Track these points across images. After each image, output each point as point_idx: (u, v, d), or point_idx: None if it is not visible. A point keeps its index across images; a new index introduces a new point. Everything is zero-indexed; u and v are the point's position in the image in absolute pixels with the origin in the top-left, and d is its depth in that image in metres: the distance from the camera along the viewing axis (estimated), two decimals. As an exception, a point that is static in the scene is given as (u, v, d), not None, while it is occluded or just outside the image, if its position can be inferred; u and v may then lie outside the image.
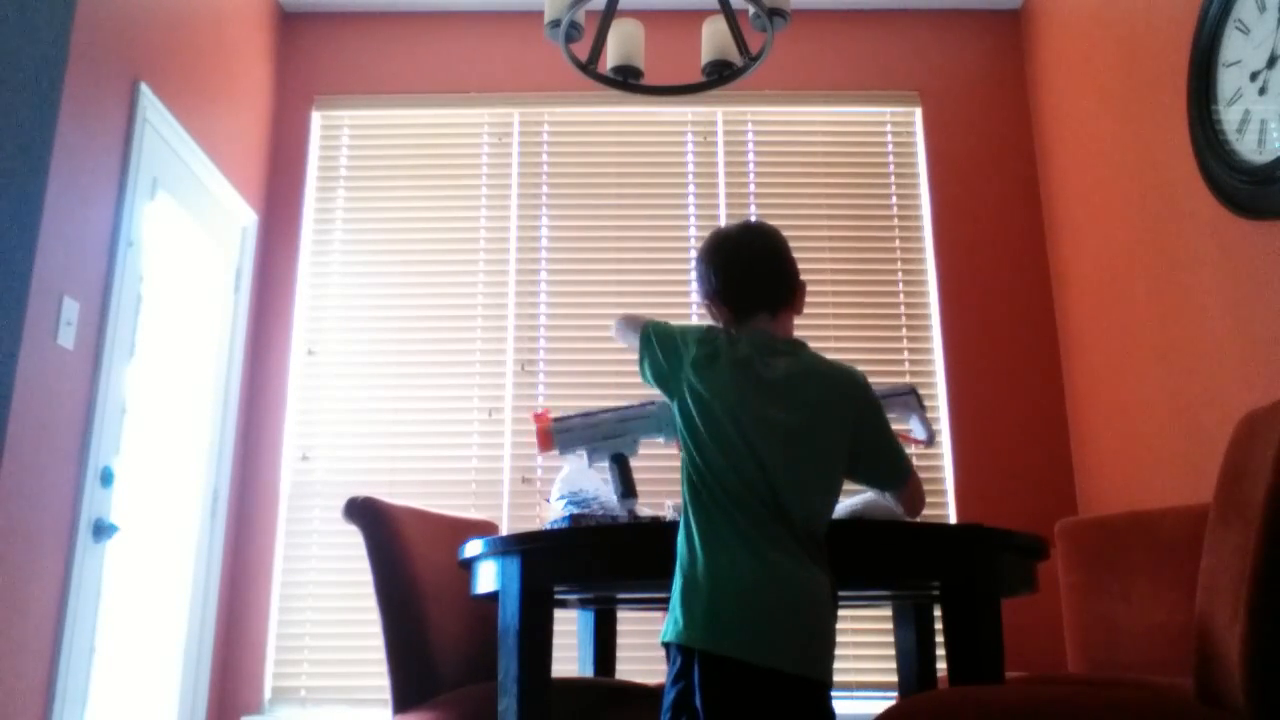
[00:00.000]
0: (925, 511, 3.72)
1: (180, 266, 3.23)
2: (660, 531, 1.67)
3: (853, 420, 1.59)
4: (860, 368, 4.05)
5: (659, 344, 1.68)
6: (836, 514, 2.00)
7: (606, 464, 1.95)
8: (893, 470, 1.65)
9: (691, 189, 3.99)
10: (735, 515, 1.49)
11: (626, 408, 1.99)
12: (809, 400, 1.57)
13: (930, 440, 2.01)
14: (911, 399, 2.00)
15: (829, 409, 1.58)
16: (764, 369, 1.58)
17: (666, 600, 2.20)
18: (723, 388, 1.57)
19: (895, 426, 1.77)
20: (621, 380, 3.70)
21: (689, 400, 1.58)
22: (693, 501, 1.53)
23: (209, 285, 3.46)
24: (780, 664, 1.41)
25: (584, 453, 2.00)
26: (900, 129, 4.06)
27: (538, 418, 1.98)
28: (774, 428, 1.53)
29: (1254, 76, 2.50)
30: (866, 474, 1.65)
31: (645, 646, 3.36)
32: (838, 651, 3.41)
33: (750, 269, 1.69)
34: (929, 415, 2.85)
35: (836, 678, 3.39)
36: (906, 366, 3.81)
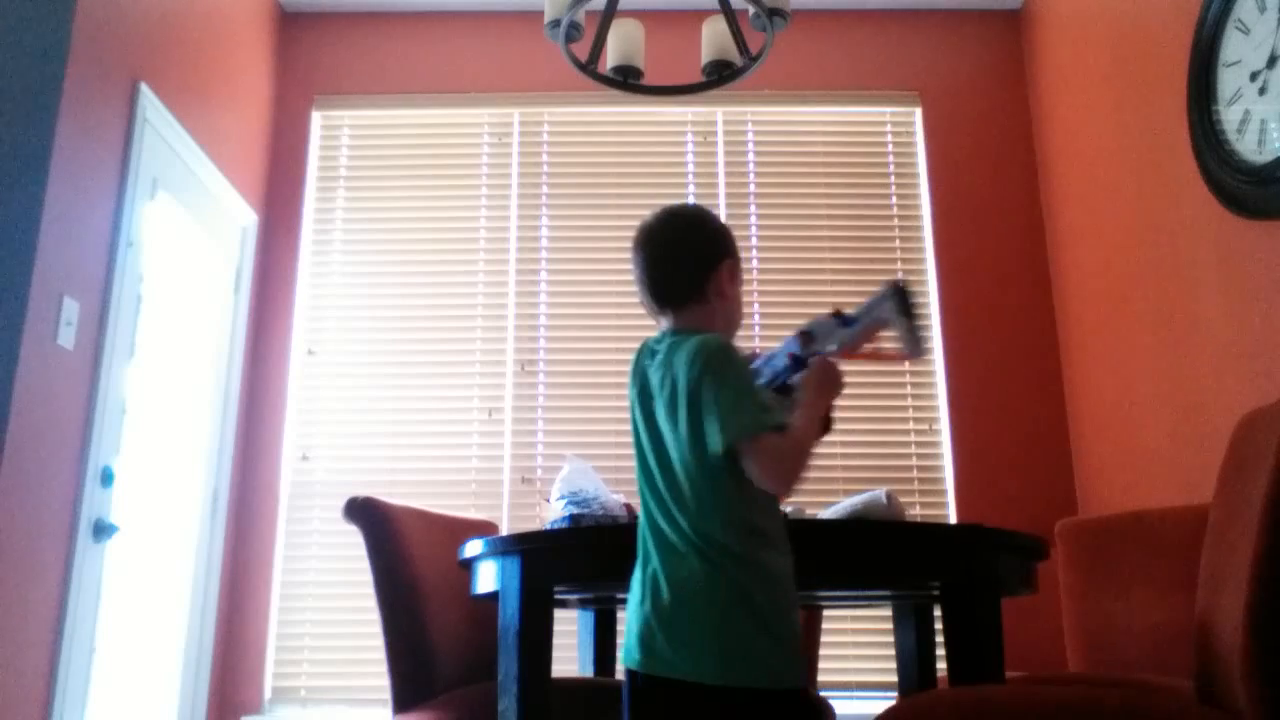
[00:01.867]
0: (925, 512, 3.73)
1: (180, 266, 3.23)
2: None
3: (689, 390, 1.43)
4: (860, 367, 4.01)
5: None
6: (836, 514, 2.00)
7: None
8: (716, 428, 1.39)
9: (691, 189, 3.99)
10: (644, 526, 1.50)
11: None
12: (666, 392, 1.48)
13: (915, 353, 1.55)
14: (887, 306, 1.56)
15: (676, 394, 1.45)
16: (648, 372, 1.54)
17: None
18: (631, 404, 1.57)
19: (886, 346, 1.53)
20: (622, 380, 3.70)
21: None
22: None
23: (209, 285, 3.46)
24: (651, 668, 1.40)
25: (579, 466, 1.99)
26: (900, 129, 4.06)
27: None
28: (650, 433, 1.51)
29: (1254, 76, 2.50)
30: (697, 441, 1.43)
31: (645, 646, 3.35)
32: (838, 652, 3.45)
33: (645, 271, 1.59)
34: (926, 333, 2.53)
35: (836, 678, 3.44)
36: (906, 366, 3.80)
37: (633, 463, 1.55)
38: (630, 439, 1.56)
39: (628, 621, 1.46)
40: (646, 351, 1.57)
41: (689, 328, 1.54)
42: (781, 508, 2.02)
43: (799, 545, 1.53)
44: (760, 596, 1.38)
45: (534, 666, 1.75)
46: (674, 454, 1.46)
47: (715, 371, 1.42)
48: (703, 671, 1.36)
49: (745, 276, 3.80)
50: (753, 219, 3.94)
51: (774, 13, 2.49)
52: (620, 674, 1.50)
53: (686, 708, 1.37)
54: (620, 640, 2.64)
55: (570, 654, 2.85)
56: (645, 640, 1.41)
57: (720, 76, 2.67)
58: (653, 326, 1.62)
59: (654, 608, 1.42)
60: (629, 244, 1.63)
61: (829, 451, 3.71)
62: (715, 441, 1.39)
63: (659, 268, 1.57)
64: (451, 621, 2.31)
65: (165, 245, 3.12)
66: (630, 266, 1.61)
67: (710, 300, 1.56)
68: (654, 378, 1.51)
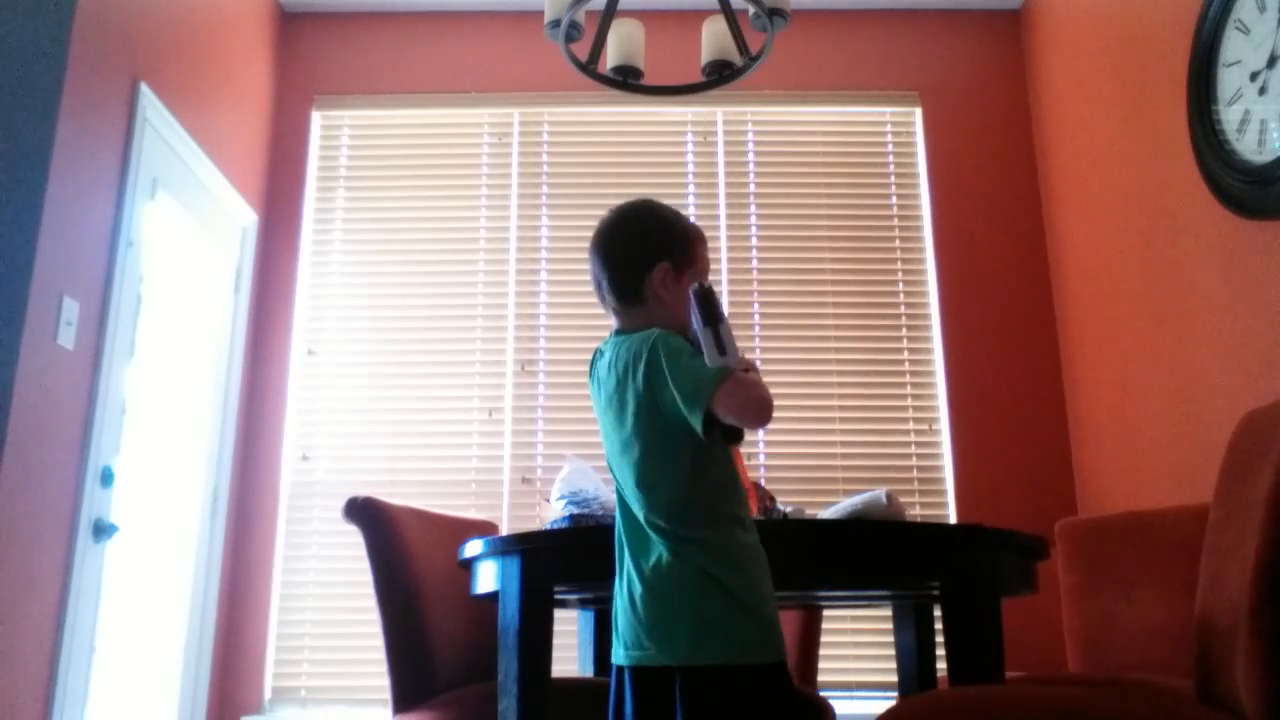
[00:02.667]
0: (925, 512, 3.73)
1: (180, 266, 3.23)
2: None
3: (644, 380, 1.44)
4: (860, 368, 4.03)
5: None
6: (836, 514, 1.99)
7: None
8: (687, 397, 1.38)
9: (691, 189, 3.99)
10: (618, 523, 1.52)
11: None
12: (614, 387, 1.50)
13: (725, 361, 1.40)
14: (693, 315, 1.45)
15: (625, 387, 1.47)
16: (601, 374, 1.56)
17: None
18: (595, 406, 1.60)
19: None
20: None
21: None
22: None
23: (209, 285, 3.46)
24: (629, 660, 1.44)
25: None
26: (900, 129, 4.06)
27: None
28: (607, 432, 1.54)
29: (1254, 76, 2.50)
30: (675, 417, 1.41)
31: (645, 646, 3.35)
32: (838, 652, 3.45)
33: (593, 271, 1.61)
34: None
35: (837, 678, 3.44)
36: (906, 366, 3.81)
37: None
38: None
39: (613, 620, 1.50)
40: (598, 354, 1.60)
41: (631, 328, 1.56)
42: (780, 507, 2.02)
43: (799, 545, 1.53)
44: (727, 575, 1.39)
45: (534, 666, 1.75)
46: (630, 449, 1.47)
47: (664, 355, 1.43)
48: (675, 654, 1.37)
49: (745, 277, 3.85)
50: (753, 219, 3.94)
51: (774, 13, 2.49)
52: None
53: (661, 692, 1.39)
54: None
55: (570, 654, 2.85)
56: (624, 635, 1.45)
57: (720, 76, 2.67)
58: None
59: (629, 601, 1.45)
60: None
61: (829, 451, 3.71)
62: (695, 417, 1.37)
63: (604, 269, 1.59)
64: (451, 621, 2.31)
65: (165, 245, 3.12)
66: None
67: (649, 302, 1.56)
68: (606, 379, 1.53)
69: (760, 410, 1.37)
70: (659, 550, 1.43)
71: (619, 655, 1.47)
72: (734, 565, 1.40)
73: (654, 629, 1.40)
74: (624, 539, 1.50)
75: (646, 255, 1.56)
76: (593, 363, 1.61)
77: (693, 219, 4.40)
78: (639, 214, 1.63)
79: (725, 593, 1.37)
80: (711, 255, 3.85)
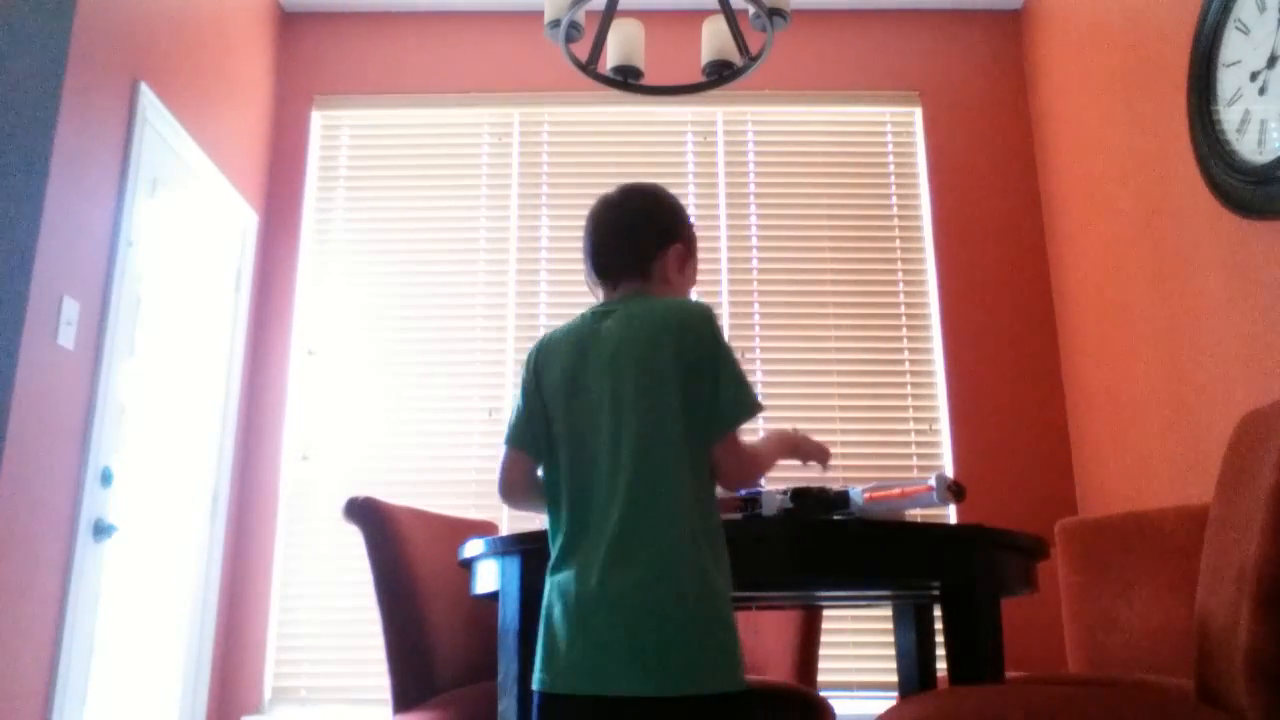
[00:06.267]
0: (924, 511, 3.74)
1: (180, 266, 3.23)
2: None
3: (691, 350, 1.38)
4: (860, 368, 4.02)
5: None
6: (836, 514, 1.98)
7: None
8: (735, 403, 1.38)
9: (691, 189, 3.99)
10: None
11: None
12: (643, 346, 1.40)
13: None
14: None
15: (662, 347, 1.38)
16: (613, 329, 1.44)
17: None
18: (564, 382, 1.47)
19: None
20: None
21: None
22: None
23: (209, 285, 3.46)
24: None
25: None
26: (900, 129, 4.06)
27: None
28: (616, 394, 1.41)
29: (1254, 76, 2.50)
30: (703, 416, 1.38)
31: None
32: (838, 652, 3.45)
33: (593, 239, 1.54)
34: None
35: (837, 678, 3.44)
36: (906, 366, 3.81)
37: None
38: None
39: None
40: (592, 317, 1.48)
41: (631, 293, 1.49)
42: (774, 492, 1.92)
43: (799, 545, 1.52)
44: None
45: (534, 667, 1.75)
46: (655, 417, 1.37)
47: (722, 342, 1.41)
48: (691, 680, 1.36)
49: (745, 277, 3.85)
50: (753, 219, 3.94)
51: (774, 13, 2.49)
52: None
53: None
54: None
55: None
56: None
57: (720, 76, 2.67)
58: None
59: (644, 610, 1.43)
60: None
61: (830, 451, 3.70)
62: (740, 410, 1.39)
63: (613, 237, 1.52)
64: (451, 621, 2.31)
65: (165, 245, 3.12)
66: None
67: (654, 280, 1.51)
68: (626, 337, 1.41)
69: (754, 474, 1.45)
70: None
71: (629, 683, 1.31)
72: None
73: (671, 649, 1.28)
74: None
75: (661, 232, 1.52)
76: (574, 330, 1.49)
77: (693, 219, 4.41)
78: (654, 191, 1.58)
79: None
80: (712, 255, 3.88)
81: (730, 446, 1.39)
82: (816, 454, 1.77)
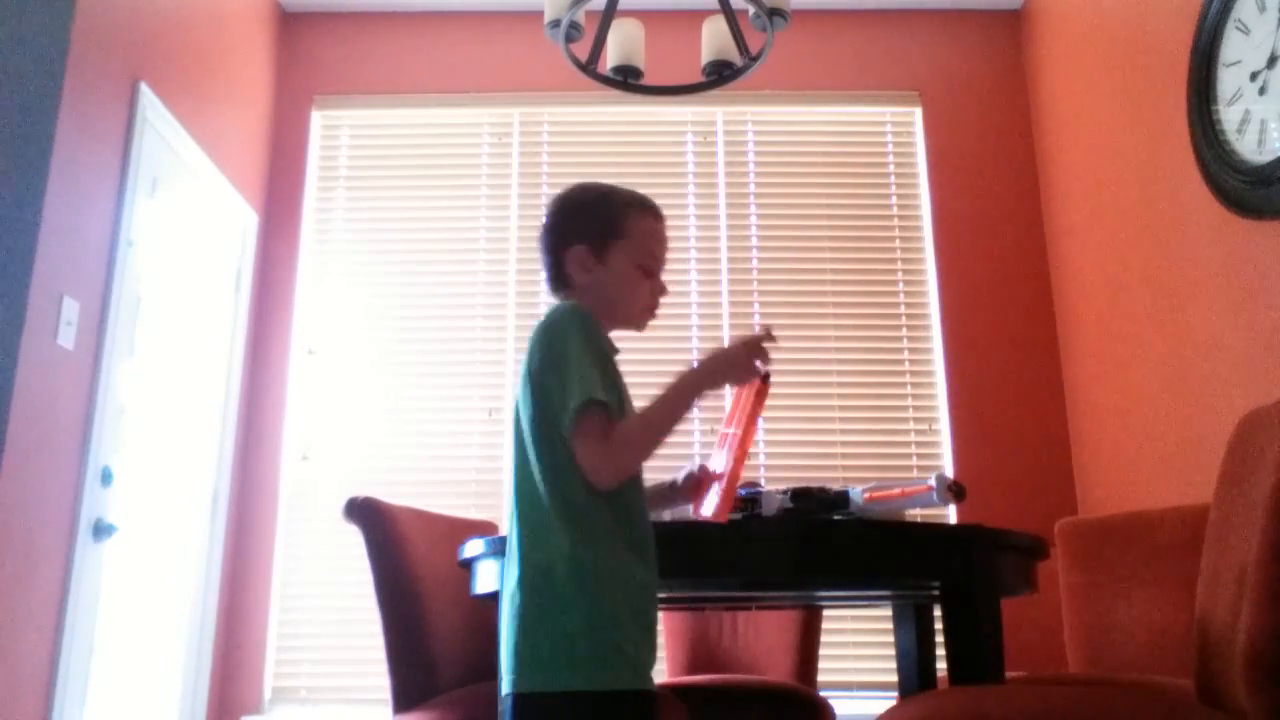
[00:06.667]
0: (925, 511, 3.73)
1: (180, 266, 3.23)
2: (659, 530, 1.66)
3: (530, 361, 1.41)
4: (860, 368, 4.01)
5: None
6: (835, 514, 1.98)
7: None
8: (562, 405, 1.35)
9: (691, 189, 3.99)
10: None
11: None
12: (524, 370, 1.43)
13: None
14: None
15: (527, 358, 1.42)
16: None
17: (664, 600, 2.20)
18: None
19: None
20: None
21: None
22: None
23: (209, 285, 3.46)
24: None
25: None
26: (900, 129, 4.06)
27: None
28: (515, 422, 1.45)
29: (1254, 76, 2.50)
30: (548, 420, 1.37)
31: (645, 646, 3.35)
32: (838, 652, 3.45)
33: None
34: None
35: (837, 678, 3.44)
36: (906, 366, 3.81)
37: None
38: None
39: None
40: None
41: (567, 298, 1.52)
42: (773, 490, 1.90)
43: (799, 545, 1.53)
44: None
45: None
46: (523, 444, 1.40)
47: (559, 338, 1.39)
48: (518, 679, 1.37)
49: (745, 277, 3.85)
50: (753, 219, 3.94)
51: (774, 13, 2.49)
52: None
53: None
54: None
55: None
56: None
57: (720, 76, 2.67)
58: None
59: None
60: None
61: (829, 451, 3.71)
62: (564, 417, 1.34)
63: (543, 237, 1.58)
64: (451, 621, 2.31)
65: (165, 245, 3.12)
66: None
67: (573, 285, 1.53)
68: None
69: (623, 452, 1.35)
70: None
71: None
72: None
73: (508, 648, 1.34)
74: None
75: (560, 237, 1.54)
76: None
77: (692, 219, 4.38)
78: (562, 195, 1.60)
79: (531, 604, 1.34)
80: (712, 255, 3.88)
81: (578, 441, 1.33)
82: (745, 367, 1.48)
